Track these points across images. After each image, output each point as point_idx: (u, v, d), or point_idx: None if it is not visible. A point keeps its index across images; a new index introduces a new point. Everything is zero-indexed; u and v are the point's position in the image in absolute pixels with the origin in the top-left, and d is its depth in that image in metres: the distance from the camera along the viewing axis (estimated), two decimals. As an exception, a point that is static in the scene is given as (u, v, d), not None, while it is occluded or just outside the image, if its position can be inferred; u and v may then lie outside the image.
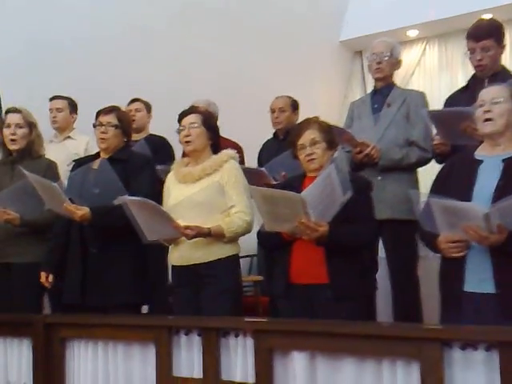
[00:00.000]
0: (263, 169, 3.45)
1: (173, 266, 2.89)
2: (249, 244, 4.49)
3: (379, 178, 3.24)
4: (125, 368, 2.52)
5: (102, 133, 3.03)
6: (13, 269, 3.23)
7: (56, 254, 3.06)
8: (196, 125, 2.88)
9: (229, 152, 2.94)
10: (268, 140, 4.17)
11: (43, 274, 3.02)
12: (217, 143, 2.97)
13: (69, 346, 2.66)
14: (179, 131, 2.92)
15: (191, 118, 2.91)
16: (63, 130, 4.20)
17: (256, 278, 4.84)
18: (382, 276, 3.39)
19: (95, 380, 2.57)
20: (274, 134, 4.14)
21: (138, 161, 3.07)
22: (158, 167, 3.32)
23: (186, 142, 2.87)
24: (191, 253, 2.78)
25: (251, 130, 4.56)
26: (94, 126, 3.08)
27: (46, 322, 2.68)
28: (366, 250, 2.84)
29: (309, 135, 2.68)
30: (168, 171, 3.07)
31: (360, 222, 2.58)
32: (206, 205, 2.76)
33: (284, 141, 3.85)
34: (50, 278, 3.02)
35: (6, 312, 3.13)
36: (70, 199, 2.87)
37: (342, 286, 2.51)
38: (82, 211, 2.83)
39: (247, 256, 5.44)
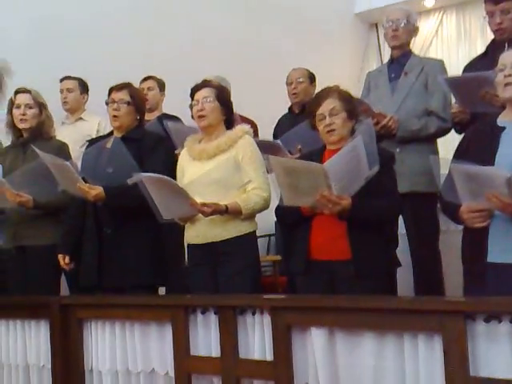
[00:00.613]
0: (278, 141, 3.36)
1: (189, 245, 2.84)
2: (266, 223, 4.45)
3: (397, 150, 3.15)
4: (142, 348, 2.49)
5: (115, 110, 2.97)
6: (28, 252, 3.22)
7: (72, 235, 3.03)
8: (210, 99, 2.82)
9: (243, 127, 2.87)
10: (283, 115, 4.07)
11: (60, 257, 3.01)
12: (230, 119, 2.90)
13: (86, 327, 2.64)
14: (192, 106, 2.85)
15: (204, 92, 2.84)
16: (74, 111, 4.16)
17: (274, 258, 4.80)
18: (402, 252, 3.32)
19: (113, 360, 2.55)
20: (290, 108, 4.04)
21: (152, 139, 3.02)
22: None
23: (200, 116, 2.81)
24: (208, 231, 2.73)
25: (266, 106, 4.48)
26: (107, 103, 3.03)
27: (62, 304, 2.66)
28: (387, 225, 2.76)
29: (328, 104, 2.58)
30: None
31: (384, 196, 2.49)
32: (222, 182, 2.71)
33: (300, 115, 3.78)
34: (67, 259, 3.00)
35: (23, 295, 3.15)
36: (83, 179, 2.83)
37: (365, 262, 2.43)
38: (95, 191, 2.79)
39: (265, 236, 5.40)
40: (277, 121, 4.09)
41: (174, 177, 2.89)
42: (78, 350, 2.62)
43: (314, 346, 2.10)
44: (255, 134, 3.60)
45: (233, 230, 2.72)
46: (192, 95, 2.88)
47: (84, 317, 2.64)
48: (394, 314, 1.96)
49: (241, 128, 2.85)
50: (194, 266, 2.81)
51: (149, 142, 2.99)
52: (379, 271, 2.48)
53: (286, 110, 4.07)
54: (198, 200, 2.62)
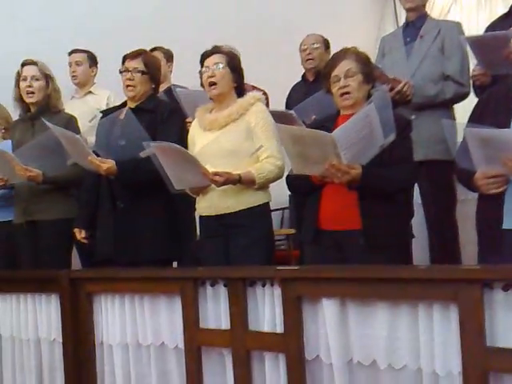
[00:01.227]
0: (292, 111, 3.27)
1: (200, 217, 2.78)
2: (280, 197, 4.37)
3: (413, 116, 3.04)
4: (152, 321, 2.45)
5: (129, 79, 2.90)
6: (38, 226, 3.20)
7: (86, 209, 3.00)
8: (221, 65, 2.73)
9: (255, 94, 2.78)
10: (296, 83, 3.96)
11: (76, 231, 2.98)
12: (242, 86, 2.81)
13: (96, 301, 2.61)
14: (202, 73, 2.77)
15: (215, 58, 2.75)
16: (84, 85, 4.11)
17: (288, 231, 4.74)
18: (418, 222, 3.23)
19: (123, 333, 2.52)
20: (303, 76, 3.93)
21: (165, 110, 2.94)
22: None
23: (211, 84, 2.72)
24: (220, 202, 2.66)
25: (277, 75, 4.37)
26: (121, 71, 2.95)
27: (71, 277, 2.63)
28: (401, 195, 2.67)
29: (344, 66, 2.47)
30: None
31: (398, 165, 2.40)
32: (234, 151, 2.64)
33: (314, 83, 3.67)
34: (83, 233, 2.97)
35: (34, 269, 3.13)
36: (94, 152, 2.78)
37: (376, 232, 2.35)
38: (107, 164, 2.74)
39: (279, 209, 5.34)
40: (289, 90, 3.98)
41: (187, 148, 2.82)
42: (88, 323, 2.59)
43: (326, 318, 2.04)
44: (266, 104, 3.52)
45: (246, 200, 2.65)
46: (202, 62, 2.79)
47: (93, 290, 2.61)
48: (408, 284, 1.88)
49: (253, 95, 2.76)
50: (205, 239, 2.75)
51: (162, 112, 2.91)
52: (391, 242, 2.39)
53: (299, 79, 3.96)
54: (210, 169, 2.56)
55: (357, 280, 2.00)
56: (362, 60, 2.51)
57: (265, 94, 3.75)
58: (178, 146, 2.51)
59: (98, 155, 2.79)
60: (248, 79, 3.06)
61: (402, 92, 3.03)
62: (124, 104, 3.02)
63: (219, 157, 2.63)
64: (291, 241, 4.69)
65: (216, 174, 2.54)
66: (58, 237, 3.14)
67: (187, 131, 2.98)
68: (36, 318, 2.78)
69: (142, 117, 2.79)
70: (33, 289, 2.78)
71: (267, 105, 3.61)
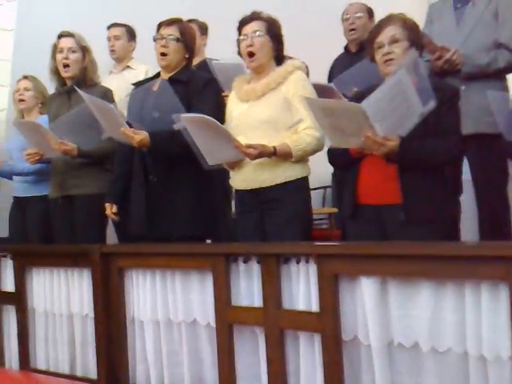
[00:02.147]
0: (331, 84, 3.11)
1: (236, 191, 2.67)
2: (322, 174, 4.23)
3: (462, 87, 2.84)
4: (183, 298, 2.38)
5: (163, 47, 2.80)
6: (74, 201, 3.16)
7: (119, 184, 2.93)
8: (260, 33, 2.59)
9: (295, 62, 2.64)
10: (339, 56, 3.79)
11: (108, 206, 2.93)
12: (281, 54, 2.67)
13: (127, 276, 2.55)
14: (239, 41, 2.64)
15: (254, 26, 2.61)
16: (122, 59, 4.06)
17: (330, 210, 4.60)
18: (467, 200, 3.05)
19: (154, 310, 2.46)
20: (346, 47, 3.76)
21: (201, 81, 2.82)
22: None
23: (249, 54, 2.59)
24: (255, 175, 2.54)
25: (319, 48, 4.19)
26: (155, 39, 2.85)
27: (102, 252, 2.57)
28: (448, 170, 2.50)
29: (389, 32, 2.32)
30: None
31: (442, 136, 2.23)
32: (270, 123, 2.51)
33: (357, 54, 3.50)
34: (114, 208, 2.91)
35: (69, 244, 3.10)
36: (127, 123, 2.70)
37: (417, 207, 2.20)
38: (139, 136, 2.65)
39: (321, 188, 5.21)
40: (331, 63, 3.82)
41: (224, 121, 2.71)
42: (120, 299, 2.54)
43: (364, 297, 1.92)
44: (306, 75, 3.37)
45: (282, 174, 2.53)
46: (240, 29, 2.66)
47: (125, 265, 2.55)
48: (454, 261, 1.74)
49: (292, 63, 2.62)
50: (240, 214, 2.64)
51: (197, 83, 2.80)
52: (434, 217, 2.23)
53: (342, 51, 3.79)
54: (244, 141, 2.44)
55: (398, 257, 1.87)
56: (409, 26, 2.36)
57: (305, 67, 3.62)
58: (209, 117, 2.40)
59: (131, 126, 2.70)
60: (288, 52, 2.93)
61: (450, 61, 2.84)
62: (157, 75, 2.92)
63: (254, 128, 2.51)
64: (333, 220, 4.55)
65: (250, 146, 2.42)
66: (93, 211, 3.09)
67: (224, 104, 2.87)
68: (69, 292, 2.75)
69: (176, 88, 2.69)
70: (66, 263, 2.75)
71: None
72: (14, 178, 3.54)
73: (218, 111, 2.73)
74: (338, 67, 3.66)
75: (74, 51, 3.20)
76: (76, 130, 3.01)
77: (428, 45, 2.83)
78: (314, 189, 5.06)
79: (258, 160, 2.48)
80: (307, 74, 3.62)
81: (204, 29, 3.95)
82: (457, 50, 2.82)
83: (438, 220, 2.27)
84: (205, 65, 3.59)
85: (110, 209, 2.91)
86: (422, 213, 2.21)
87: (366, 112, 2.05)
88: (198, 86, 2.79)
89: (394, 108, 2.11)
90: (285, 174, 2.53)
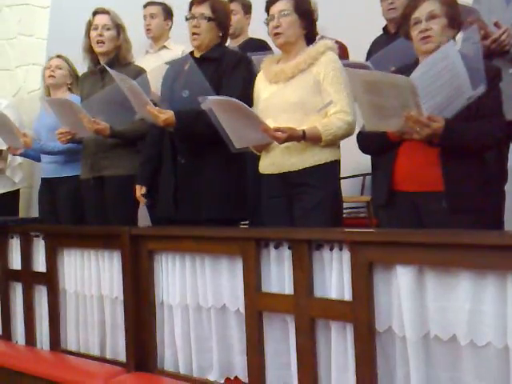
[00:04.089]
0: (368, 63, 2.99)
1: (263, 175, 2.58)
2: (361, 161, 4.11)
3: (510, 70, 2.69)
4: (213, 282, 2.33)
5: (195, 27, 2.72)
6: (106, 182, 3.14)
7: (148, 166, 2.89)
8: (286, 12, 2.49)
9: (326, 42, 2.52)
10: (378, 37, 3.65)
11: (137, 188, 2.89)
12: (312, 32, 2.57)
13: (156, 259, 2.51)
14: (267, 22, 2.55)
15: (280, 5, 2.50)
16: (158, 38, 4.00)
17: (368, 199, 4.48)
18: (512, 190, 2.90)
19: (183, 294, 2.41)
20: (384, 28, 3.62)
21: (232, 58, 2.73)
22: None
23: (276, 34, 2.50)
24: (283, 159, 2.46)
25: (357, 29, 4.05)
26: (187, 18, 2.78)
27: (132, 234, 2.54)
28: (493, 157, 2.37)
29: (427, 7, 2.19)
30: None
31: (485, 119, 2.11)
32: (299, 105, 2.41)
33: (396, 36, 3.36)
34: (143, 190, 2.88)
35: (100, 226, 3.08)
36: (152, 101, 2.64)
37: (460, 195, 2.08)
38: (165, 115, 2.59)
39: (360, 175, 5.07)
40: (370, 44, 3.68)
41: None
42: (149, 282, 2.50)
43: (400, 286, 1.84)
44: (345, 59, 3.25)
45: (311, 158, 2.43)
46: (267, 9, 2.57)
47: (154, 248, 2.51)
48: (496, 251, 1.65)
49: (323, 43, 2.51)
50: (268, 199, 2.55)
51: (228, 61, 2.71)
52: (477, 206, 2.11)
53: (381, 32, 3.65)
54: (272, 124, 2.35)
55: (437, 245, 1.77)
56: (447, 2, 2.21)
57: (343, 47, 3.50)
58: (236, 100, 2.31)
59: (156, 105, 2.65)
60: (324, 32, 2.83)
61: (499, 41, 2.68)
62: (191, 54, 2.85)
63: (282, 111, 2.42)
64: (371, 208, 4.43)
65: (277, 129, 2.33)
66: (124, 193, 3.06)
67: None
68: (99, 274, 2.73)
69: (206, 67, 2.62)
70: (96, 245, 2.73)
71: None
72: (43, 159, 3.53)
73: (249, 91, 2.66)
74: (377, 48, 3.51)
75: (108, 28, 3.16)
76: (108, 109, 2.97)
77: (475, 23, 2.68)
78: (353, 176, 4.95)
79: (286, 143, 2.40)
80: (346, 54, 3.52)
81: (248, 7, 3.83)
82: (507, 28, 2.66)
83: (480, 210, 2.14)
84: (248, 44, 3.51)
85: (140, 191, 2.88)
86: (465, 201, 2.09)
87: (414, 86, 1.92)
88: (229, 64, 2.70)
89: (441, 86, 1.98)
90: (314, 157, 2.44)
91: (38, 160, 3.61)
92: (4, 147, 3.61)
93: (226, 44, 3.02)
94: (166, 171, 2.77)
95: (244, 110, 2.34)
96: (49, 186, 3.48)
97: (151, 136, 2.89)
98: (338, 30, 3.49)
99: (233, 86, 2.62)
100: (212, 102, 2.36)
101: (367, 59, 3.58)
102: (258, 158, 2.68)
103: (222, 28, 2.78)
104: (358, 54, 3.60)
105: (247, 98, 2.56)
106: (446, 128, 2.02)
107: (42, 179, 3.56)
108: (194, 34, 2.74)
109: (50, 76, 3.53)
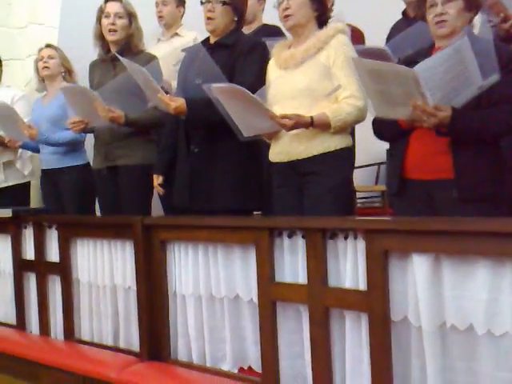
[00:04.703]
0: (385, 47, 2.92)
1: (272, 164, 2.54)
2: (376, 151, 4.06)
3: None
4: (226, 272, 2.30)
5: (209, 11, 2.68)
6: (120, 171, 3.13)
7: (164, 155, 2.89)
8: None
9: (337, 25, 2.47)
10: (397, 22, 3.57)
11: (154, 177, 2.88)
12: (324, 15, 2.50)
13: (169, 249, 2.49)
14: (278, 4, 2.50)
15: None
16: (170, 26, 3.96)
17: (383, 188, 4.44)
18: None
19: (196, 285, 2.39)
20: (403, 12, 3.55)
21: (246, 45, 2.70)
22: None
23: (285, 16, 2.45)
24: (292, 147, 2.41)
25: (376, 13, 3.99)
26: (202, 2, 2.74)
27: (144, 224, 2.51)
28: (504, 142, 2.31)
29: None
30: None
31: (498, 105, 2.05)
32: (308, 92, 2.36)
33: (416, 19, 3.29)
34: (160, 180, 2.86)
35: (113, 215, 3.08)
36: (162, 88, 2.62)
37: (470, 184, 2.04)
38: (176, 103, 2.57)
39: (374, 164, 5.03)
40: (389, 29, 3.61)
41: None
42: (162, 272, 2.48)
43: (416, 275, 1.80)
44: (361, 44, 3.19)
45: (320, 145, 2.38)
46: None
47: (167, 238, 2.49)
48: (515, 239, 1.60)
49: (334, 26, 2.45)
50: (277, 188, 2.51)
51: (243, 47, 2.68)
52: (489, 195, 2.06)
53: (400, 16, 3.58)
54: (279, 112, 2.31)
55: (454, 233, 1.73)
56: None
57: (359, 32, 3.45)
58: (239, 87, 2.27)
59: (167, 92, 2.63)
60: (342, 19, 2.76)
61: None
62: (207, 40, 2.82)
63: (290, 98, 2.37)
64: (386, 198, 4.39)
65: (284, 116, 2.28)
66: (137, 182, 3.06)
67: None
68: (112, 264, 2.72)
69: (220, 53, 2.59)
70: (109, 235, 2.71)
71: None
72: (43, 150, 3.52)
73: (263, 79, 2.62)
74: (396, 34, 3.45)
75: (120, 17, 3.14)
76: (122, 97, 2.96)
77: (494, 6, 2.61)
78: (367, 165, 4.90)
79: (294, 131, 2.35)
80: (362, 39, 3.46)
81: None
82: (529, 12, 2.60)
83: (494, 198, 2.11)
84: (262, 31, 3.46)
85: (157, 180, 2.87)
86: (477, 190, 2.05)
87: (418, 77, 1.89)
88: (242, 50, 2.67)
89: (450, 79, 1.95)
90: (323, 144, 2.39)
91: (37, 151, 3.61)
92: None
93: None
94: (181, 160, 2.76)
95: (249, 98, 2.30)
96: (50, 177, 3.48)
97: (169, 125, 2.88)
98: (356, 15, 3.43)
99: (247, 72, 2.59)
100: (216, 90, 2.33)
101: (387, 44, 3.52)
102: (269, 146, 2.65)
103: (238, 12, 2.74)
104: (377, 40, 3.54)
105: (262, 84, 2.52)
106: (453, 117, 1.98)
107: (43, 171, 3.55)
108: (208, 18, 2.70)
109: (45, 67, 3.53)
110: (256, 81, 2.49)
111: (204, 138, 2.68)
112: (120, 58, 2.77)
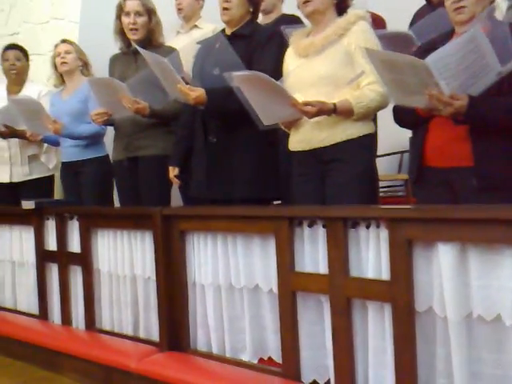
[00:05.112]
0: (409, 32, 2.85)
1: (293, 152, 2.49)
2: (399, 139, 3.99)
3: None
4: (245, 262, 2.28)
5: (225, 1, 2.65)
6: (140, 162, 3.11)
7: (180, 146, 2.85)
8: None
9: (357, 12, 2.40)
10: (420, 8, 3.50)
11: (171, 169, 2.86)
12: (344, 2, 2.44)
13: (188, 239, 2.47)
14: None
15: None
16: (189, 18, 3.92)
17: (407, 177, 4.35)
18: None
19: (216, 275, 2.37)
20: (427, -1, 3.47)
21: (264, 34, 2.65)
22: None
23: (304, 2, 2.39)
24: (313, 135, 2.35)
25: (398, 1, 3.92)
26: None
27: (163, 214, 2.50)
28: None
29: None
30: None
31: None
32: (329, 78, 2.30)
33: (440, 6, 3.22)
34: (176, 171, 2.84)
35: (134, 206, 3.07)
36: (182, 78, 2.59)
37: (490, 172, 1.97)
38: (196, 92, 2.53)
39: (397, 152, 4.94)
40: (412, 16, 3.54)
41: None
42: (181, 262, 2.47)
43: (441, 265, 1.75)
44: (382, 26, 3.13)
45: (342, 132, 2.31)
46: None
47: (186, 228, 2.47)
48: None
49: (354, 12, 2.38)
50: (298, 177, 2.46)
51: (260, 37, 2.64)
52: (510, 184, 1.99)
53: (424, 2, 3.50)
54: (301, 99, 2.27)
55: (480, 221, 1.68)
56: None
57: (380, 19, 3.38)
58: (263, 74, 2.21)
59: (187, 83, 2.59)
60: (365, 7, 2.72)
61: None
62: (222, 32, 2.79)
63: (312, 85, 2.32)
64: (410, 186, 4.31)
65: (307, 103, 2.23)
66: (157, 173, 3.03)
67: None
68: (132, 254, 2.71)
69: (238, 43, 2.55)
70: (128, 225, 2.71)
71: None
72: (64, 143, 3.52)
73: (281, 66, 2.58)
74: (419, 20, 3.38)
75: (140, 14, 3.12)
76: (146, 89, 2.94)
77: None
78: (390, 154, 4.83)
79: (315, 118, 2.30)
80: (384, 26, 3.38)
81: None
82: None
83: None
84: (281, 21, 3.41)
85: (173, 172, 2.84)
86: (496, 178, 1.97)
87: (429, 68, 1.84)
88: (260, 40, 2.63)
89: (466, 67, 1.89)
90: (345, 131, 2.32)
91: (57, 144, 3.62)
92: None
93: (258, 20, 2.95)
94: (198, 151, 2.73)
95: (272, 85, 2.25)
96: (70, 169, 3.49)
97: (184, 117, 2.85)
98: (378, 2, 3.37)
99: (264, 62, 2.54)
100: (238, 78, 2.29)
101: (410, 28, 3.45)
102: (287, 136, 2.61)
103: (253, 3, 2.70)
104: (398, 27, 3.47)
105: (280, 73, 2.48)
106: (470, 106, 1.91)
107: (63, 163, 3.56)
108: (224, 8, 2.67)
109: (63, 63, 3.53)
110: (274, 70, 2.44)
111: (221, 127, 2.65)
112: (139, 49, 2.75)
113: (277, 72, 2.44)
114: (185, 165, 2.88)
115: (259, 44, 2.62)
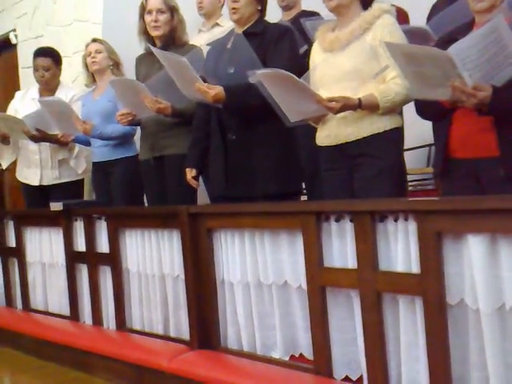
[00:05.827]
0: (426, 26, 2.82)
1: (320, 148, 2.48)
2: (426, 132, 3.93)
3: None
4: (273, 259, 2.27)
5: (234, 1, 2.66)
6: (166, 161, 3.13)
7: (197, 147, 2.85)
8: None
9: (382, 5, 2.38)
10: (437, 1, 3.46)
11: (188, 171, 2.86)
12: None
13: (216, 237, 2.48)
14: None
15: None
16: (210, 16, 3.93)
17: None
18: None
19: (244, 271, 2.37)
20: (445, -10, 3.42)
21: (275, 32, 2.66)
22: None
23: None
24: (339, 130, 2.35)
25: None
26: None
27: (190, 213, 2.51)
28: None
29: None
30: None
31: None
32: (355, 73, 2.29)
33: (459, -3, 3.17)
34: (193, 173, 2.84)
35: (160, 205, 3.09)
36: (201, 77, 2.60)
37: None
38: (214, 90, 2.54)
39: (425, 146, 4.88)
40: (430, 8, 3.49)
41: (302, 73, 2.52)
42: (209, 260, 2.47)
43: (472, 257, 1.73)
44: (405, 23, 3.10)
45: (369, 127, 2.30)
46: None
47: (213, 226, 2.47)
48: None
49: (378, 6, 2.36)
50: (326, 172, 2.45)
51: (272, 34, 2.64)
52: None
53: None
54: (326, 95, 2.25)
55: (511, 212, 1.64)
56: None
57: (402, 12, 3.34)
58: (286, 72, 2.21)
59: (205, 81, 2.60)
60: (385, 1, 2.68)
61: None
62: (231, 32, 2.79)
63: (337, 80, 2.31)
64: (439, 180, 4.25)
65: (331, 99, 2.22)
66: (183, 172, 3.04)
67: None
68: (160, 253, 2.73)
69: (250, 41, 2.56)
70: (156, 225, 2.72)
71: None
72: (95, 143, 3.55)
73: (295, 63, 2.58)
74: (436, 12, 3.34)
75: (162, 12, 3.14)
76: (168, 89, 2.95)
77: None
78: (418, 147, 4.77)
79: (342, 113, 2.29)
80: (406, 19, 3.35)
81: None
82: None
83: None
84: (301, 17, 3.40)
85: (190, 173, 2.84)
86: None
87: (453, 59, 1.81)
88: (272, 37, 2.64)
89: (489, 58, 1.86)
90: (371, 126, 2.31)
91: (88, 144, 3.66)
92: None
93: (280, 17, 2.94)
94: (215, 150, 2.73)
95: (295, 82, 2.25)
96: (102, 169, 3.52)
97: (197, 119, 2.86)
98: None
99: (278, 59, 2.54)
100: (261, 76, 2.29)
101: (428, 21, 3.40)
102: (314, 130, 2.59)
103: (261, 2, 2.71)
104: (421, 20, 3.43)
105: (293, 70, 2.46)
106: (493, 96, 1.89)
107: (95, 164, 3.59)
108: (233, 8, 2.68)
109: (94, 62, 3.55)
110: (288, 67, 2.43)
111: (240, 124, 2.65)
112: (152, 48, 2.77)
113: (290, 69, 2.42)
114: (202, 166, 2.88)
115: (271, 41, 2.63)
